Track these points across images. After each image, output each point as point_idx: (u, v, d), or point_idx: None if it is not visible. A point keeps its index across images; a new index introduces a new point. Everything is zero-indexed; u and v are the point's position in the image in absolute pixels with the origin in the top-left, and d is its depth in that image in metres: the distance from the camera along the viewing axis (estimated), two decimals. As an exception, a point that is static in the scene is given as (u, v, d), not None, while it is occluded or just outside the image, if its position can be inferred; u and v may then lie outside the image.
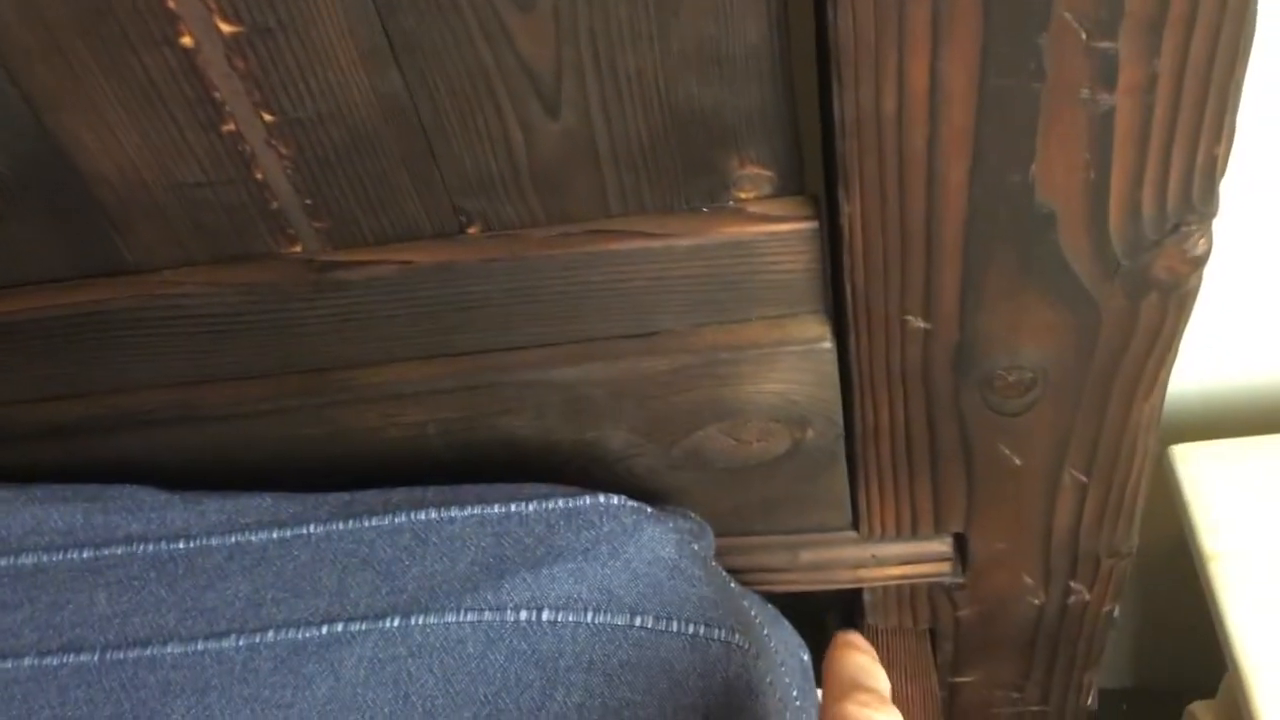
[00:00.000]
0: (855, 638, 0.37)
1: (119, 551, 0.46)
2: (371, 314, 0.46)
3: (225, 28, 0.38)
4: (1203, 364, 0.68)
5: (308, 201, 0.43)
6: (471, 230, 0.45)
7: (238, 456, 0.52)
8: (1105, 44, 0.34)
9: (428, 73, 0.39)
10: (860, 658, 0.36)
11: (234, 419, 0.50)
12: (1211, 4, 0.33)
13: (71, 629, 0.44)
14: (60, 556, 0.46)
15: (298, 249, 0.45)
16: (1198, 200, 0.38)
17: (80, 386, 0.50)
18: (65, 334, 0.48)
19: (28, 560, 0.47)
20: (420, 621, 0.41)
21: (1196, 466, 0.62)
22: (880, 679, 0.36)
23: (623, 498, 0.45)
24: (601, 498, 0.44)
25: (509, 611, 0.41)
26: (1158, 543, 0.80)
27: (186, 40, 0.38)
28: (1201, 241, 0.39)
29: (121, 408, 0.50)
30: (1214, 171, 0.37)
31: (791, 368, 0.47)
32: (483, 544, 0.43)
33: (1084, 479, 0.49)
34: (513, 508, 0.44)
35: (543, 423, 0.49)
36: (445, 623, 0.41)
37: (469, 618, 0.41)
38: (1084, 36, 0.34)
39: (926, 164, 0.38)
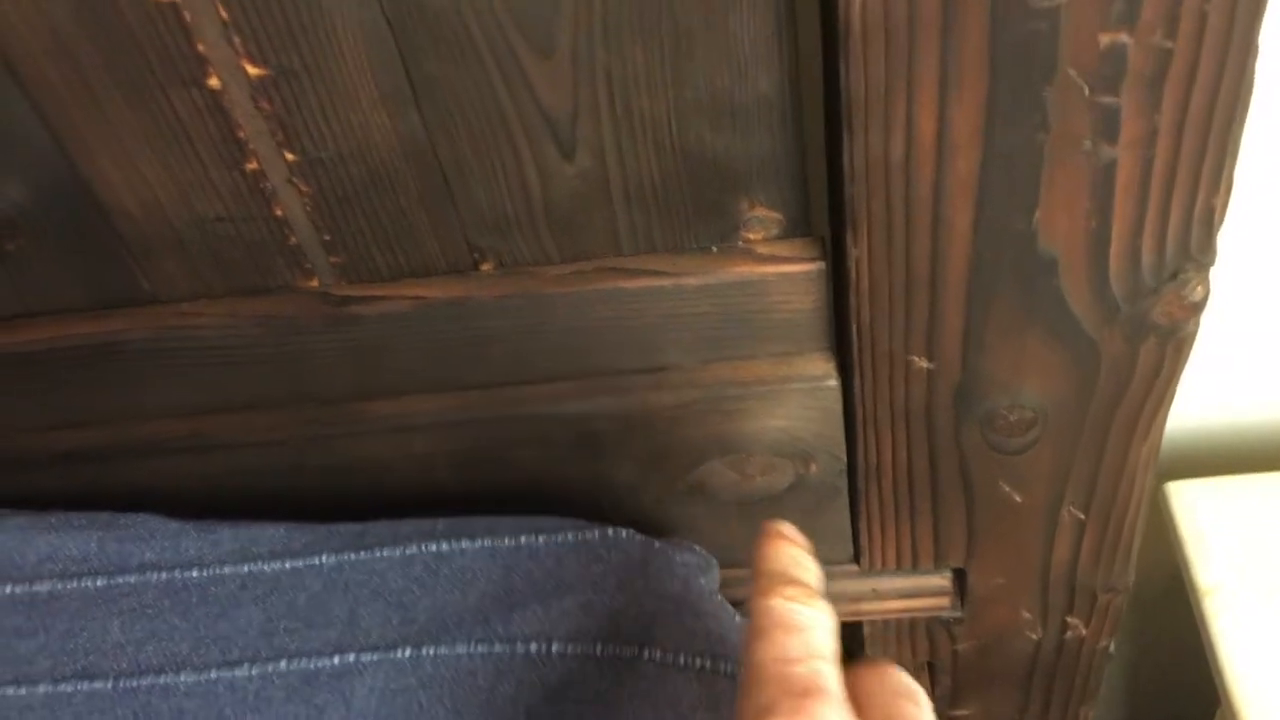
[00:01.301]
0: (785, 527, 0.34)
1: (133, 580, 0.46)
2: (384, 347, 0.47)
3: (252, 70, 0.39)
4: (1198, 403, 0.69)
5: (326, 237, 0.44)
6: (485, 267, 0.45)
7: (248, 485, 0.52)
8: (1108, 99, 0.35)
9: (447, 116, 0.40)
10: (790, 549, 0.33)
11: (245, 448, 0.50)
12: (1211, 62, 0.34)
13: (85, 656, 0.44)
14: (75, 584, 0.47)
15: (314, 283, 0.46)
16: (1196, 250, 0.39)
17: (95, 415, 0.50)
18: (82, 363, 0.48)
19: (43, 587, 0.47)
20: (431, 652, 0.41)
21: (1192, 503, 0.63)
22: (811, 571, 0.32)
23: (631, 531, 0.45)
24: (610, 531, 0.45)
25: (519, 644, 0.41)
26: (1153, 580, 0.81)
27: (214, 82, 0.39)
28: (1199, 289, 0.40)
29: (135, 436, 0.51)
30: (1212, 222, 0.38)
31: (797, 404, 0.48)
32: (493, 576, 0.44)
33: (1082, 516, 0.50)
34: (523, 540, 0.45)
35: (551, 455, 0.50)
36: (456, 654, 0.41)
37: (479, 649, 0.41)
38: (1087, 91, 0.35)
39: (932, 210, 0.39)
